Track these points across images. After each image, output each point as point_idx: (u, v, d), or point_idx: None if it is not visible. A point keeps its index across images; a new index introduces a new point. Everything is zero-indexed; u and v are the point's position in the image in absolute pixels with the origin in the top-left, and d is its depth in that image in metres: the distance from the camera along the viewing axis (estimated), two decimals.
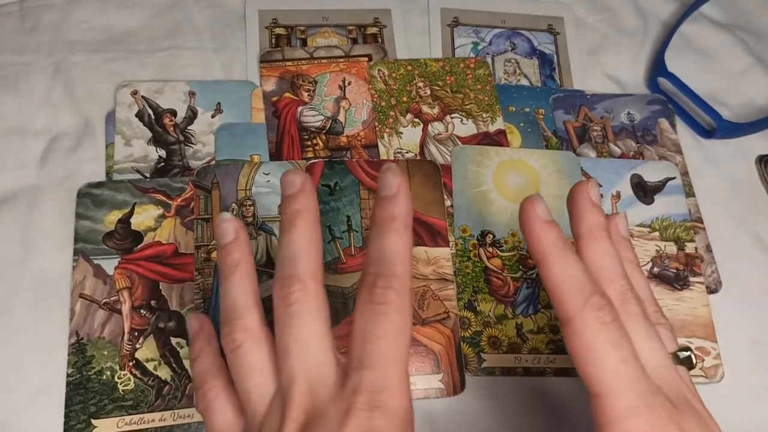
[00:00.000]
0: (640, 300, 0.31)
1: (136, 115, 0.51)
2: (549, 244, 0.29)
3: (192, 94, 0.53)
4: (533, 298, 0.48)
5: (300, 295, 0.29)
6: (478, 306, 0.47)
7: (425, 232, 0.49)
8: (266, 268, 0.47)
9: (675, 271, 0.50)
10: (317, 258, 0.31)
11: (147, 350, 0.44)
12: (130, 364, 0.43)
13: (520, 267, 0.49)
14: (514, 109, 0.56)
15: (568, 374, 0.45)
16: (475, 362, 0.45)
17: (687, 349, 0.32)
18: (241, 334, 0.31)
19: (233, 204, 0.48)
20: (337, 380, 0.28)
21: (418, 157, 0.52)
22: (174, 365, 0.44)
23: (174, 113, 0.52)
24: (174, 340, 0.44)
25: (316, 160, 0.51)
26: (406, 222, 0.30)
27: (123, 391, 0.43)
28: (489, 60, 0.58)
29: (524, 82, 0.58)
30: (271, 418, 0.29)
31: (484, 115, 0.55)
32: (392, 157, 0.52)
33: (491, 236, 0.49)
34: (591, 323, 0.27)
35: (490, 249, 0.49)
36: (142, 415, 0.42)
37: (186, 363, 0.44)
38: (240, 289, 0.32)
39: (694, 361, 0.32)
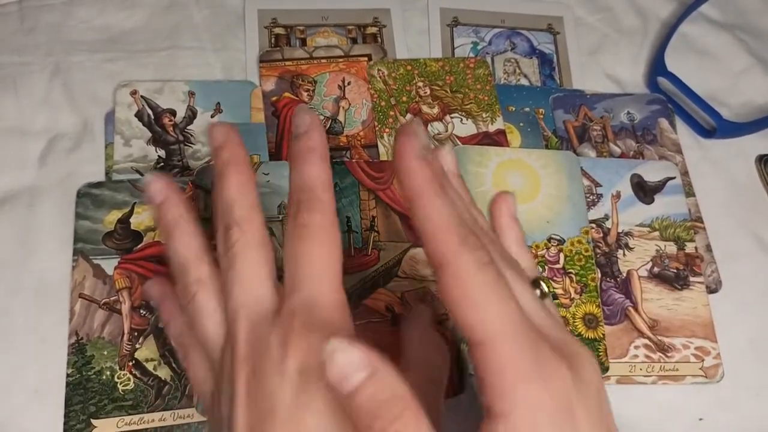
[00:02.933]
0: (496, 240, 0.30)
1: (136, 115, 0.51)
2: (424, 180, 0.25)
3: (191, 94, 0.53)
4: None
5: (237, 236, 0.30)
6: None
7: None
8: None
9: (675, 271, 0.50)
10: (250, 200, 0.31)
11: (147, 350, 0.44)
12: (130, 364, 0.43)
13: None
14: (513, 108, 0.56)
15: None
16: None
17: (537, 279, 0.30)
18: (194, 286, 0.31)
19: None
20: (277, 308, 0.28)
21: None
22: (174, 365, 0.44)
23: (173, 113, 0.52)
24: None
25: None
26: (322, 153, 0.30)
27: (123, 391, 0.43)
28: (489, 60, 0.58)
29: (524, 81, 0.58)
30: (226, 360, 0.29)
31: (483, 115, 0.55)
32: (392, 157, 0.52)
33: None
34: (470, 265, 0.24)
35: None
36: (141, 415, 0.42)
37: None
38: (185, 246, 0.33)
39: (547, 290, 0.30)
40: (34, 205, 0.48)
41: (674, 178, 0.54)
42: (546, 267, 0.49)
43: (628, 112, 0.57)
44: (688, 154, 0.56)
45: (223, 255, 0.30)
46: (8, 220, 0.47)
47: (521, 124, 0.55)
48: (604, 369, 0.45)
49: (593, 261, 0.49)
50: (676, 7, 0.64)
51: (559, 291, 0.48)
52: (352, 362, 0.23)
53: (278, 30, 0.57)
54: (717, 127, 0.56)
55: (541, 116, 0.56)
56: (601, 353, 0.46)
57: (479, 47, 0.59)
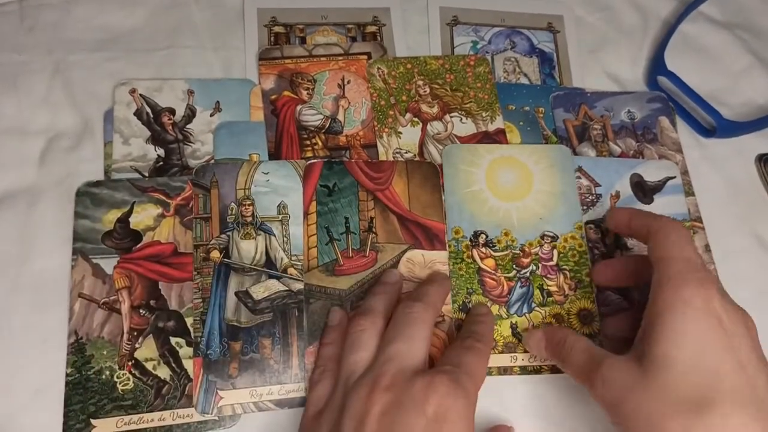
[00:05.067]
0: None
1: (135, 114, 0.51)
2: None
3: (191, 92, 0.53)
4: (527, 296, 0.48)
5: (418, 309, 0.40)
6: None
7: (423, 235, 0.49)
8: (265, 268, 0.47)
9: None
10: (441, 304, 0.44)
11: (146, 350, 0.44)
12: (130, 363, 0.43)
13: (514, 266, 0.48)
14: (513, 107, 0.56)
15: (561, 371, 0.43)
16: None
17: None
18: (368, 324, 0.40)
19: (232, 203, 0.48)
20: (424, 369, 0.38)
21: (417, 158, 0.52)
22: (173, 365, 0.44)
23: (173, 112, 0.52)
24: (173, 340, 0.44)
25: (315, 161, 0.50)
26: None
27: (122, 390, 0.43)
28: (488, 59, 0.58)
29: (524, 80, 0.58)
30: (362, 385, 0.37)
31: (483, 114, 0.55)
32: (391, 157, 0.52)
33: (484, 236, 0.49)
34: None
35: (483, 250, 0.49)
36: (141, 415, 0.42)
37: (185, 363, 0.44)
38: (381, 302, 0.43)
39: None
40: (33, 204, 0.48)
41: (674, 177, 0.53)
42: (539, 264, 0.49)
43: (629, 111, 0.57)
44: (688, 153, 0.56)
45: (401, 312, 0.40)
46: (8, 219, 0.47)
47: (521, 123, 0.55)
48: None
49: (587, 256, 0.49)
50: (676, 5, 0.64)
51: (553, 288, 0.48)
52: (534, 337, 0.43)
53: (278, 28, 0.57)
54: (717, 126, 0.56)
55: (541, 115, 0.56)
56: None
57: (479, 46, 0.59)
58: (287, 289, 0.46)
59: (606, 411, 0.36)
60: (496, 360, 0.46)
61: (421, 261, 0.48)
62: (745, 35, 0.63)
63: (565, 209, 0.50)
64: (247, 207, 0.48)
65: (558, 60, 0.59)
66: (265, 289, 0.46)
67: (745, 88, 0.61)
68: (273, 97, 0.53)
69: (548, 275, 0.48)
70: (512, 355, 0.46)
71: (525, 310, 0.47)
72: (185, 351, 0.44)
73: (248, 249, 0.47)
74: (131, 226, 0.47)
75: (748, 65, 0.62)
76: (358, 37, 0.58)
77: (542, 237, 0.49)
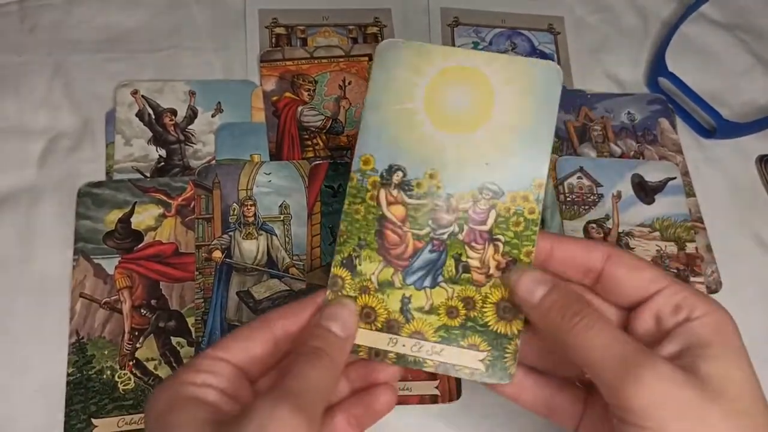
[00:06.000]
0: None
1: (137, 115, 0.51)
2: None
3: (192, 93, 0.53)
4: (435, 266, 0.35)
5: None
6: (359, 265, 0.35)
7: None
8: (267, 267, 0.47)
9: (675, 270, 0.50)
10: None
11: (147, 350, 0.44)
12: (131, 363, 0.43)
13: (429, 222, 0.35)
14: None
15: (450, 372, 0.34)
16: None
17: None
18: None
19: (234, 204, 0.48)
20: None
21: None
22: (174, 365, 0.44)
23: (174, 113, 0.52)
24: (174, 340, 0.44)
25: (320, 162, 0.50)
26: None
27: (123, 390, 0.43)
28: None
29: None
30: None
31: None
32: None
33: (400, 174, 0.36)
34: None
35: (395, 192, 0.35)
36: (142, 415, 0.42)
37: (186, 362, 0.44)
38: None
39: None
40: (34, 204, 0.48)
41: (675, 178, 0.54)
42: (465, 226, 0.35)
43: (629, 112, 0.57)
44: (689, 154, 0.56)
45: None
46: (9, 220, 0.47)
47: None
48: (506, 375, 0.34)
49: (535, 229, 0.35)
50: (677, 7, 0.64)
51: (474, 262, 0.35)
52: (536, 279, 0.32)
53: (279, 30, 0.57)
54: (717, 127, 0.56)
55: None
56: (507, 355, 0.34)
57: (480, 47, 0.59)
58: (289, 289, 0.46)
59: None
60: (370, 339, 0.34)
61: None
62: (745, 36, 0.63)
63: (527, 156, 0.35)
64: (249, 207, 0.48)
65: (558, 61, 0.60)
66: (266, 289, 0.46)
67: (746, 89, 0.61)
68: (274, 98, 0.54)
69: (473, 243, 0.35)
70: (392, 337, 0.34)
71: (427, 282, 0.35)
72: (186, 351, 0.44)
73: (250, 249, 0.47)
74: (132, 227, 0.47)
75: (749, 66, 0.62)
76: (359, 38, 0.58)
77: (481, 190, 0.35)
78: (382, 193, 0.36)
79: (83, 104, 0.52)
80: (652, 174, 0.53)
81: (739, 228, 0.54)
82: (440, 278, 0.35)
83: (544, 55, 0.60)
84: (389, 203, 0.36)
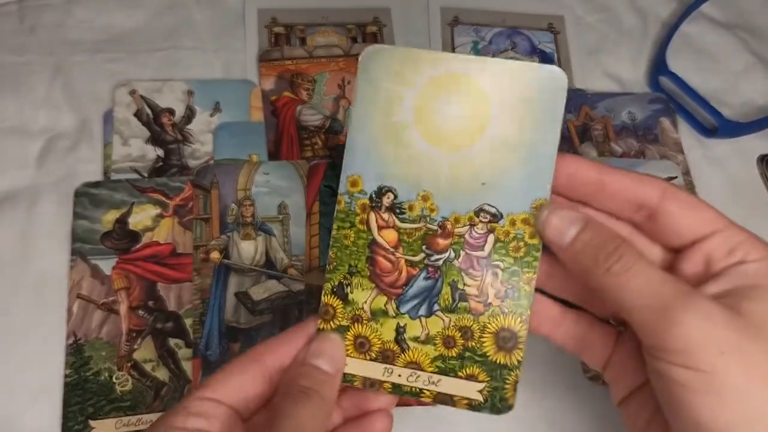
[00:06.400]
0: None
1: (135, 115, 0.51)
2: None
3: (190, 93, 0.53)
4: (431, 295, 0.33)
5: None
6: (351, 293, 0.33)
7: None
8: (265, 268, 0.47)
9: None
10: None
11: (145, 351, 0.44)
12: (128, 364, 0.43)
13: (424, 247, 0.33)
14: None
15: (448, 403, 0.33)
16: None
17: None
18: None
19: (232, 204, 0.48)
20: None
21: None
22: (172, 366, 0.44)
23: (173, 112, 0.52)
24: (172, 341, 0.44)
25: (319, 161, 0.50)
26: None
27: (121, 391, 0.43)
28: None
29: None
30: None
31: None
32: None
33: (391, 196, 0.33)
34: None
35: (386, 216, 0.33)
36: (140, 416, 0.42)
37: (183, 364, 0.44)
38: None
39: None
40: (32, 205, 0.48)
41: (675, 177, 0.53)
42: (461, 252, 0.33)
43: (630, 112, 0.57)
44: (690, 153, 0.56)
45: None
46: (7, 220, 0.47)
47: None
48: (506, 406, 0.32)
49: (537, 255, 0.32)
50: (677, 6, 0.64)
51: (472, 290, 0.33)
52: (566, 217, 0.30)
53: (278, 29, 0.57)
54: (718, 126, 0.56)
55: None
56: (507, 386, 0.32)
57: (480, 46, 0.59)
58: (287, 289, 0.46)
59: (669, 377, 0.26)
60: (364, 369, 0.33)
61: None
62: (745, 35, 0.63)
63: (527, 175, 0.32)
64: (247, 207, 0.48)
65: (559, 60, 0.59)
66: (264, 289, 0.46)
67: (746, 89, 0.61)
68: (273, 97, 0.53)
69: (470, 270, 0.33)
70: (387, 366, 0.33)
71: (422, 311, 0.33)
72: (184, 352, 0.44)
73: (248, 249, 0.47)
74: (130, 227, 0.47)
75: (749, 65, 0.62)
76: (358, 37, 0.58)
77: (478, 212, 0.33)
78: (372, 216, 0.34)
79: (82, 104, 0.52)
80: (653, 173, 0.53)
81: None
82: (436, 307, 0.33)
83: (544, 54, 0.59)
84: (380, 227, 0.34)
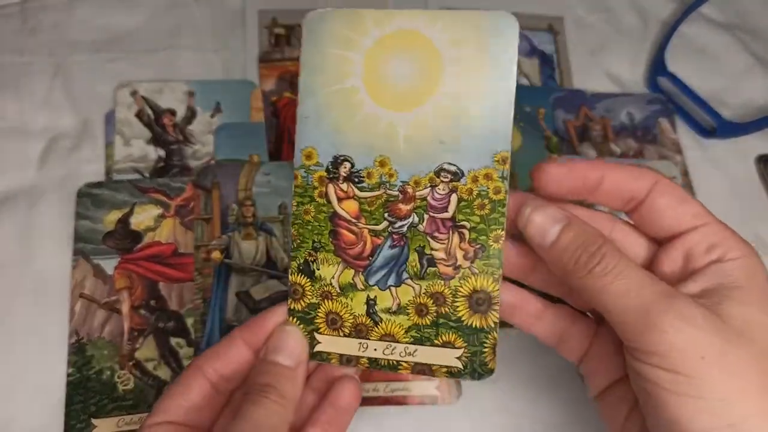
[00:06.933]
0: None
1: (136, 115, 0.51)
2: None
3: (191, 93, 0.53)
4: (398, 263, 0.32)
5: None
6: (318, 269, 0.33)
7: None
8: (266, 268, 0.47)
9: None
10: None
11: (147, 350, 0.44)
12: (130, 363, 0.43)
13: (386, 215, 0.32)
14: None
15: (427, 373, 0.32)
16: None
17: None
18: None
19: (233, 204, 0.48)
20: None
21: None
22: (173, 365, 0.44)
23: (174, 113, 0.52)
24: (173, 340, 0.44)
25: None
26: None
27: (123, 390, 0.43)
28: None
29: (524, 81, 0.58)
30: None
31: None
32: None
33: (348, 165, 0.32)
34: None
35: (344, 186, 0.32)
36: (142, 415, 0.42)
37: (185, 363, 0.44)
38: None
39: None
40: (34, 205, 0.48)
41: (674, 178, 0.54)
42: (425, 216, 0.32)
43: (628, 112, 0.57)
44: (689, 154, 0.56)
45: None
46: (8, 220, 0.47)
47: (521, 124, 0.55)
48: (487, 371, 0.31)
49: (503, 210, 0.31)
50: (676, 6, 0.64)
51: (439, 254, 0.32)
52: (550, 215, 0.29)
53: (278, 30, 0.57)
54: (717, 127, 0.56)
55: (542, 116, 0.56)
56: (486, 349, 0.31)
57: None
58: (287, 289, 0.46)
59: (650, 379, 0.26)
60: (339, 345, 0.32)
61: None
62: (745, 36, 0.63)
63: (486, 128, 0.31)
64: (248, 207, 0.48)
65: (558, 61, 0.60)
66: (265, 289, 0.46)
67: (745, 89, 0.61)
68: (274, 98, 0.54)
69: (436, 234, 0.32)
70: (361, 341, 0.32)
71: (391, 281, 0.32)
72: (186, 351, 0.44)
73: (249, 249, 0.47)
74: (132, 227, 0.47)
75: (748, 66, 0.62)
76: None
77: (438, 173, 0.31)
78: (331, 188, 0.32)
79: (83, 104, 0.52)
80: None
81: (739, 228, 0.53)
82: (405, 275, 0.32)
83: (543, 55, 0.60)
84: (340, 199, 0.33)
